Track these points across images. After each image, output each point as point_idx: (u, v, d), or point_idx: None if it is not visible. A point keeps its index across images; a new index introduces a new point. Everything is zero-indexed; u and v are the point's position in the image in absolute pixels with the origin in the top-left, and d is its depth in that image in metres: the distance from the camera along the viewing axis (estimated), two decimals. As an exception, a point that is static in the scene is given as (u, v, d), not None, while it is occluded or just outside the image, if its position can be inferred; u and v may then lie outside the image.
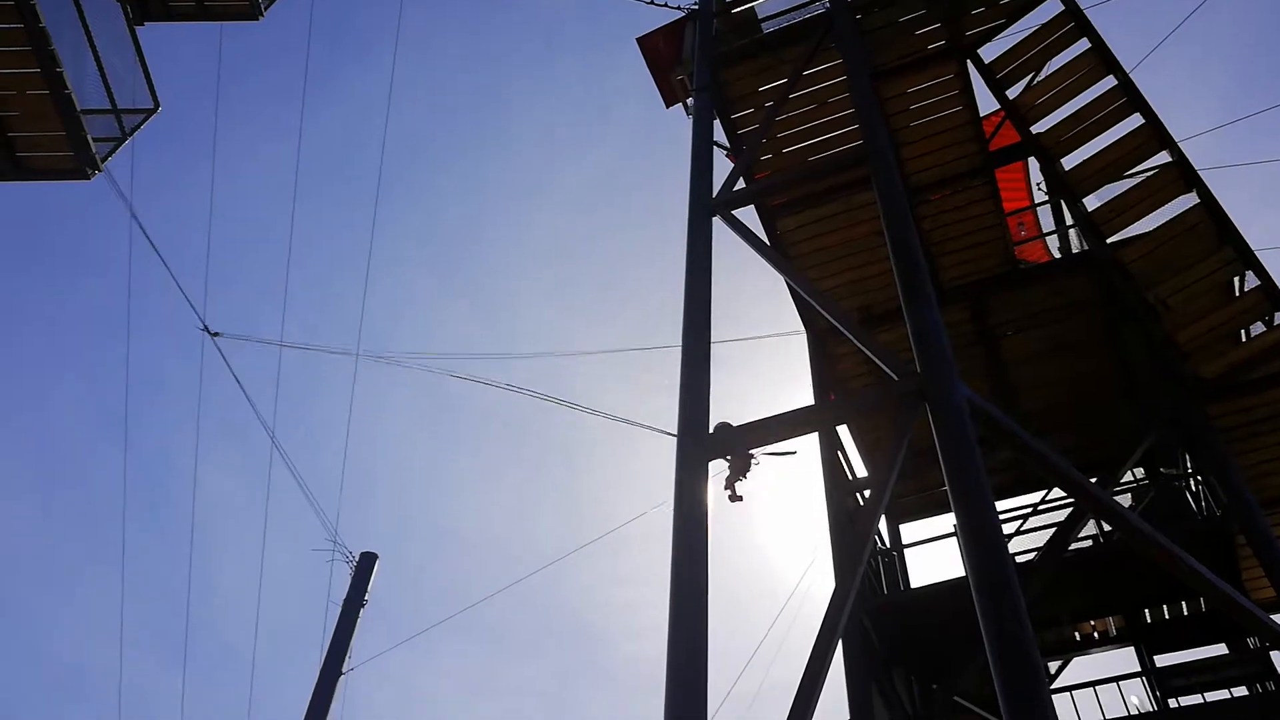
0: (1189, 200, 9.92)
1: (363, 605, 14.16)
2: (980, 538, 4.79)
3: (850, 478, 11.41)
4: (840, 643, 6.59)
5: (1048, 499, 11.75)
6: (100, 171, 10.02)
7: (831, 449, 10.67)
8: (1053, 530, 9.31)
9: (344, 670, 13.31)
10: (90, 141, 9.92)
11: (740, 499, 10.92)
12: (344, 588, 14.44)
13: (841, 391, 12.01)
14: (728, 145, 11.22)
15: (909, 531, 12.78)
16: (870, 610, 9.51)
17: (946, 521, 12.41)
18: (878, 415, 11.18)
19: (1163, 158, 10.16)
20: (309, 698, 13.21)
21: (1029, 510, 11.71)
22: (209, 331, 15.88)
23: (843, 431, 11.81)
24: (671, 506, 6.15)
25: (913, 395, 5.80)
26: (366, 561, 14.68)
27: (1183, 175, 9.94)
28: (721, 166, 9.15)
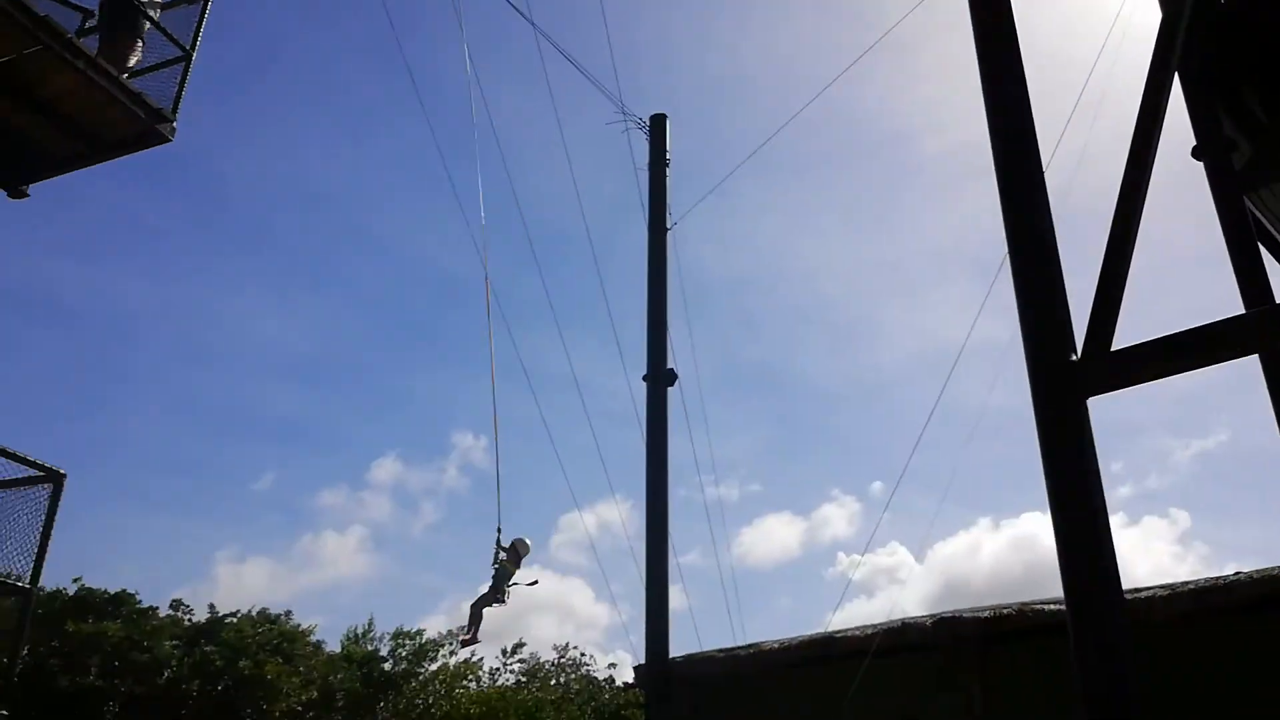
0: None
1: (666, 165, 14.63)
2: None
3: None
4: (1175, 74, 6.00)
5: None
6: None
7: None
8: None
9: (668, 227, 14.11)
10: None
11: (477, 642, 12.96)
12: (645, 155, 14.91)
13: None
14: None
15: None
16: (1207, 28, 8.46)
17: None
18: None
19: None
20: (644, 263, 14.20)
21: None
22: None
23: None
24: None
25: None
26: (658, 122, 14.97)
27: None
28: None
